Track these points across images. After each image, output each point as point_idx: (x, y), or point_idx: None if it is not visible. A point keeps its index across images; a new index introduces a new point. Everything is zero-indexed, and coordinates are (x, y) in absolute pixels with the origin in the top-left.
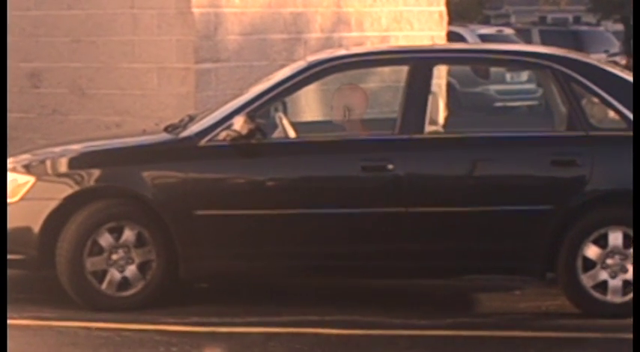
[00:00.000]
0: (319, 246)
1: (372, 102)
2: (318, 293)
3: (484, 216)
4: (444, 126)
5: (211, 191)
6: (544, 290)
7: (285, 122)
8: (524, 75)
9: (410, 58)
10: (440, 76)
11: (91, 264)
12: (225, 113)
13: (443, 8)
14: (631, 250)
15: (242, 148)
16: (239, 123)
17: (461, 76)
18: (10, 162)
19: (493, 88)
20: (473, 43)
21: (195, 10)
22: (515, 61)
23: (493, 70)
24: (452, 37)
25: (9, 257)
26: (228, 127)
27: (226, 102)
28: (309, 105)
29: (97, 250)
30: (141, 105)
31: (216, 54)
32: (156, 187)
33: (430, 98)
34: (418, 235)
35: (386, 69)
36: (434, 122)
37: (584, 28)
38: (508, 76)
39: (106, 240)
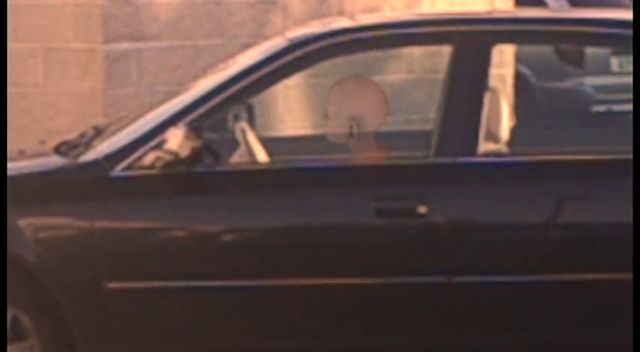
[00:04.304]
0: (305, 337)
1: (393, 105)
2: None
3: (574, 288)
4: (510, 143)
5: (132, 250)
6: None
7: (250, 138)
8: None
9: (455, 33)
10: (503, 62)
11: None
12: (153, 123)
13: None
14: None
15: (181, 180)
16: (176, 139)
17: (538, 63)
18: None
19: (590, 81)
20: (557, 9)
21: None
22: (625, 38)
23: (590, 52)
24: None
25: None
26: (159, 146)
27: (155, 106)
28: (291, 110)
29: None
30: (17, 111)
31: (139, 27)
32: (41, 244)
33: (487, 98)
34: (468, 321)
35: (416, 51)
36: (493, 137)
37: None
38: (614, 63)
39: None
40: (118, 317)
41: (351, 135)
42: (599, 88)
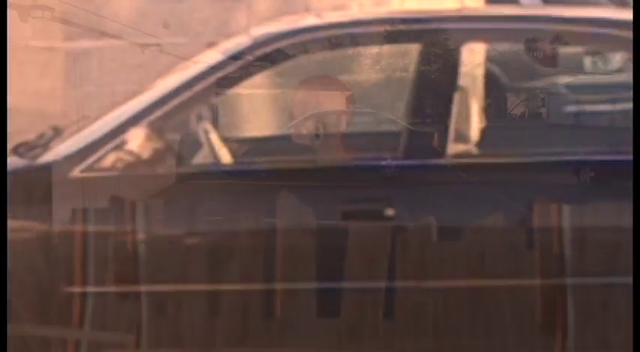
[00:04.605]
0: (269, 343)
1: (360, 105)
2: None
3: (548, 292)
4: (480, 144)
5: (92, 254)
6: None
7: (213, 138)
8: (616, 59)
9: (423, 31)
10: (473, 61)
11: None
12: (113, 124)
13: None
14: None
15: (143, 182)
16: (137, 139)
17: (509, 63)
18: None
19: (563, 81)
20: (529, 6)
21: None
22: (600, 36)
23: (562, 51)
24: None
25: None
26: (120, 147)
27: (116, 105)
28: (255, 110)
29: None
30: None
31: (101, 24)
32: None
33: (457, 98)
34: (436, 326)
35: (383, 49)
36: (463, 138)
37: None
38: (588, 62)
39: None
40: (78, 322)
41: (317, 136)
42: (572, 88)
